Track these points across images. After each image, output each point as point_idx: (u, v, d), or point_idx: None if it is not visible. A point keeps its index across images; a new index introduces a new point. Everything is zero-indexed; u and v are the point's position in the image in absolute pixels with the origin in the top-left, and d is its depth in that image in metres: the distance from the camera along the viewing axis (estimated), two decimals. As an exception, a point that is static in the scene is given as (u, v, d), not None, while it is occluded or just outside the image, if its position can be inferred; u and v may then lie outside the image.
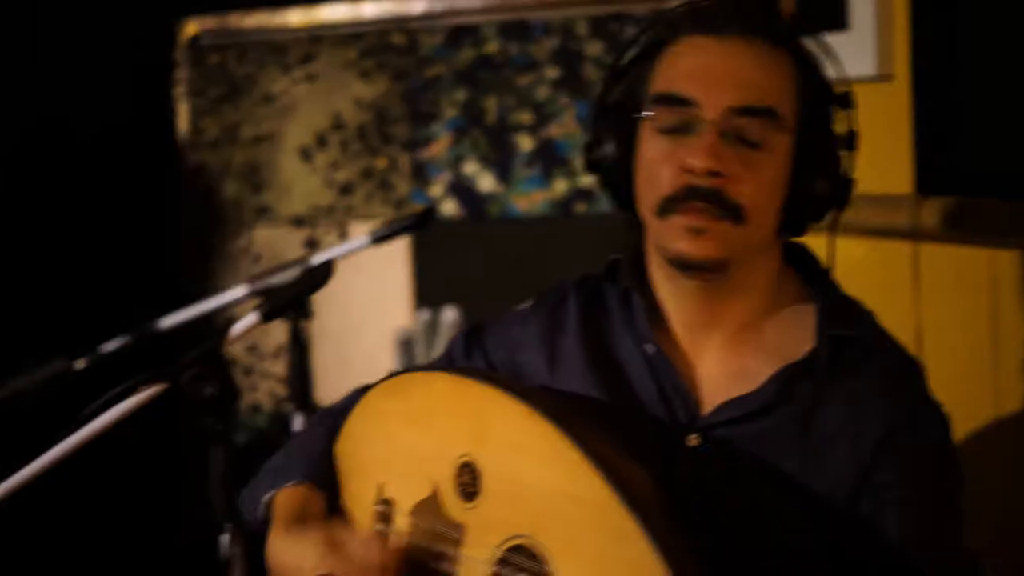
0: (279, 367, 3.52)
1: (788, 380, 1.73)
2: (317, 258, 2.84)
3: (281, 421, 3.48)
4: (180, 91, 3.62)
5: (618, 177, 1.80)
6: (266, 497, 1.90)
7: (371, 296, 3.48)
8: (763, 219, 1.73)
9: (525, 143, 3.40)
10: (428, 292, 3.47)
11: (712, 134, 1.69)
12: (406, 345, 3.48)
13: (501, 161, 3.42)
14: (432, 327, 3.47)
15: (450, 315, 3.47)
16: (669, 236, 1.73)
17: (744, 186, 1.69)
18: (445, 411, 1.79)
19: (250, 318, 1.87)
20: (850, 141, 1.77)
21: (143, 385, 1.82)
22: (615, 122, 1.79)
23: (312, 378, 2.90)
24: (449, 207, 3.45)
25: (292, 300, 1.88)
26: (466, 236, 3.44)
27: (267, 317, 1.86)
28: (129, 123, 3.52)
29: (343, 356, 3.49)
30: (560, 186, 3.38)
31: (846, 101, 1.77)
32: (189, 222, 3.59)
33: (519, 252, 3.42)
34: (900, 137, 2.65)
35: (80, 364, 2.83)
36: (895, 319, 2.56)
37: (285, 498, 1.89)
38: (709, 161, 1.68)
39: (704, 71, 1.72)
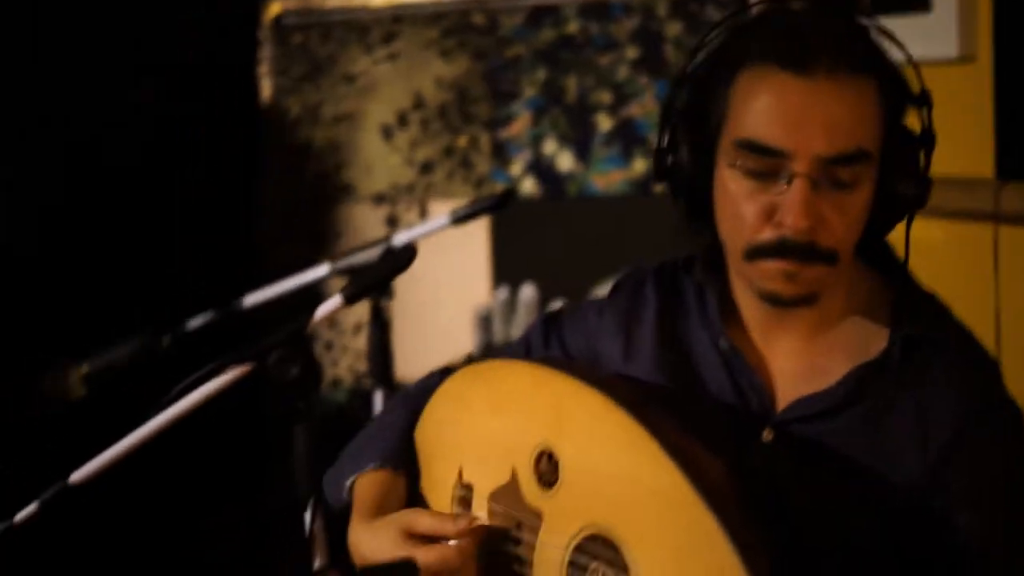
0: (359, 342, 3.56)
1: (860, 379, 1.72)
2: (399, 238, 2.88)
3: (361, 396, 3.53)
4: (264, 70, 3.67)
5: (693, 196, 1.76)
6: (348, 481, 1.93)
7: (450, 273, 3.51)
8: (852, 250, 1.71)
9: (604, 123, 3.42)
10: (507, 270, 3.50)
11: (804, 188, 1.64)
12: (484, 322, 3.52)
13: (580, 140, 3.43)
14: (510, 304, 3.50)
15: (528, 292, 3.49)
16: (759, 277, 1.71)
17: (837, 231, 1.66)
18: (525, 400, 1.81)
19: (334, 300, 1.90)
20: (927, 140, 1.73)
21: (229, 366, 1.86)
22: (690, 141, 1.74)
23: (392, 355, 2.94)
24: (528, 186, 3.47)
25: (375, 283, 1.90)
26: (545, 214, 3.47)
27: (350, 300, 1.89)
28: (214, 102, 3.57)
29: (422, 332, 3.53)
30: (639, 165, 3.40)
31: (924, 99, 1.72)
32: (272, 200, 3.64)
33: (597, 231, 3.43)
34: (982, 120, 2.62)
35: (166, 340, 2.89)
36: (973, 303, 2.56)
37: (366, 483, 1.91)
38: (803, 220, 1.64)
39: (792, 117, 1.64)
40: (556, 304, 3.49)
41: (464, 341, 3.52)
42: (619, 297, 1.92)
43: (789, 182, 1.65)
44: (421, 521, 1.80)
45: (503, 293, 3.50)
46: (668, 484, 1.60)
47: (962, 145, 2.59)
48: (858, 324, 1.76)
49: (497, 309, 3.51)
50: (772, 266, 1.69)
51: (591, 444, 1.71)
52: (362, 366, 3.59)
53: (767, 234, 1.67)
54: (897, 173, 1.70)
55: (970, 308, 2.50)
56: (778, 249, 1.67)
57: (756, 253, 1.70)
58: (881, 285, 1.79)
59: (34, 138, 3.23)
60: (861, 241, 1.72)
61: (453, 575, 1.78)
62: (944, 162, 2.56)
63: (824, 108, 1.64)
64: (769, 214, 1.67)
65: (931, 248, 2.70)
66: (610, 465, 1.68)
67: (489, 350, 3.51)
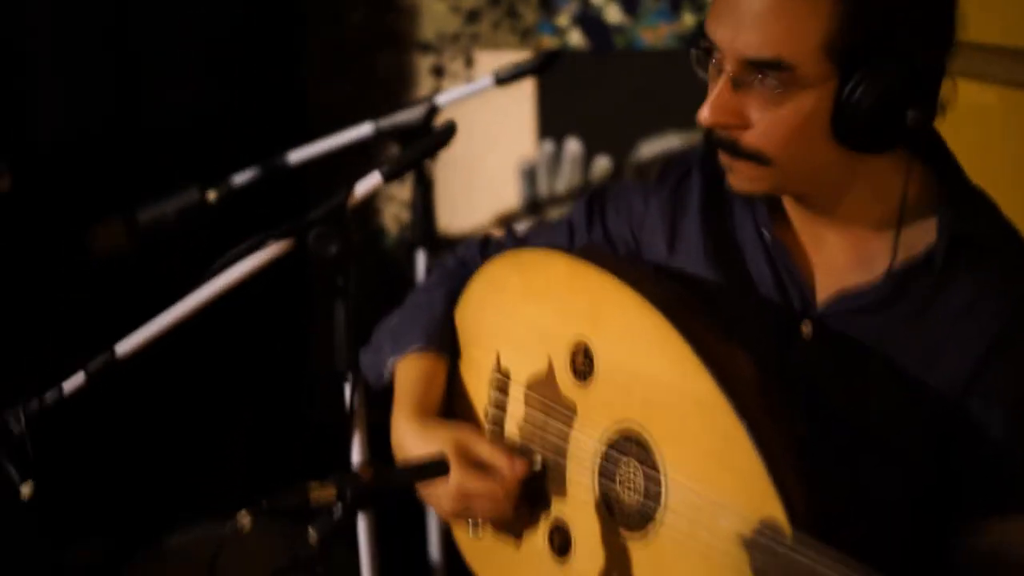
0: (404, 192, 3.57)
1: (905, 275, 1.72)
2: (442, 98, 2.87)
3: (405, 247, 3.55)
4: (308, -85, 3.61)
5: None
6: (390, 362, 1.95)
7: (496, 125, 3.50)
8: (797, 156, 1.68)
9: (654, -25, 3.36)
10: (552, 123, 3.48)
11: (722, 85, 1.66)
12: (529, 175, 3.51)
13: (629, -8, 3.38)
14: (555, 158, 3.49)
15: (573, 146, 3.48)
16: None
17: (760, 134, 1.66)
18: (563, 292, 1.82)
19: (373, 177, 1.91)
20: (937, 38, 1.66)
21: (270, 240, 1.89)
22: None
23: (435, 215, 2.96)
24: (575, 38, 3.43)
25: (413, 161, 1.91)
26: (591, 68, 3.43)
27: (389, 177, 1.91)
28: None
29: (467, 183, 3.53)
30: (688, 19, 3.34)
31: (925, 32, 1.64)
32: (317, 47, 3.61)
33: (644, 85, 3.39)
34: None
35: (212, 195, 2.91)
36: (1020, 167, 2.55)
37: (409, 366, 1.94)
38: (709, 117, 1.67)
39: (723, 11, 1.65)
40: (601, 160, 3.47)
41: (509, 193, 3.52)
42: (665, 185, 1.92)
43: (721, 76, 1.67)
44: (481, 448, 1.82)
45: (548, 146, 3.49)
46: (699, 388, 1.62)
47: (1013, 14, 2.54)
48: (905, 219, 1.74)
49: (542, 163, 3.50)
50: (719, 155, 1.73)
51: (626, 343, 1.72)
52: (406, 216, 3.60)
53: (703, 122, 1.70)
54: (865, 92, 1.63)
55: (1016, 170, 2.50)
56: (712, 139, 1.71)
57: (707, 136, 1.73)
58: (932, 179, 1.77)
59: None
60: (847, 142, 1.67)
61: (492, 508, 1.81)
62: (995, 31, 2.53)
63: (751, 9, 1.63)
64: None
65: (981, 111, 2.68)
66: (644, 365, 1.70)
67: (533, 205, 3.52)
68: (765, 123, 1.66)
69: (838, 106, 1.65)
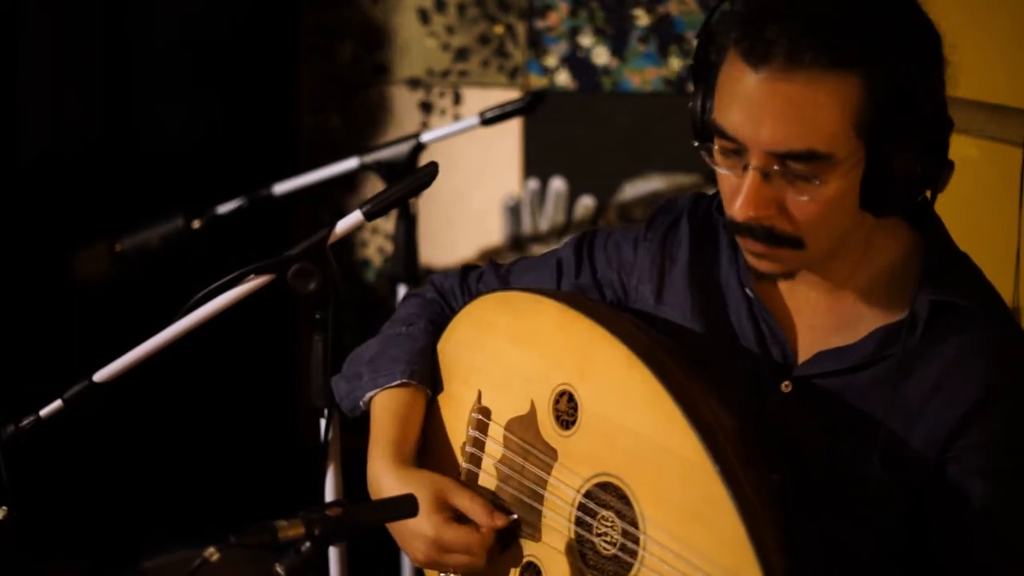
0: (389, 224, 3.59)
1: (885, 339, 1.73)
2: (427, 136, 2.90)
3: (386, 280, 3.57)
4: (302, -50, 3.65)
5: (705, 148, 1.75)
6: (368, 395, 1.94)
7: (481, 162, 3.53)
8: (828, 235, 1.69)
9: (642, 18, 3.40)
10: (537, 161, 3.51)
11: (754, 180, 1.64)
12: (513, 212, 3.54)
13: (617, 35, 3.41)
14: (539, 196, 3.52)
15: (558, 185, 3.51)
16: (740, 246, 1.75)
17: (797, 219, 1.66)
18: (551, 338, 1.82)
19: (354, 216, 1.93)
20: (938, 123, 1.66)
21: (250, 275, 1.91)
22: (701, 96, 1.73)
23: (417, 251, 2.98)
24: (563, 78, 3.46)
25: (395, 200, 1.93)
26: (578, 108, 3.46)
27: (370, 217, 1.93)
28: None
29: (451, 219, 3.56)
30: (674, 63, 3.38)
31: (934, 91, 1.65)
32: (307, 80, 3.64)
33: (630, 127, 3.43)
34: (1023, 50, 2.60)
35: (197, 223, 2.93)
36: (998, 221, 2.57)
37: (388, 401, 1.92)
38: (747, 211, 1.65)
39: (746, 110, 1.63)
40: (585, 199, 3.50)
41: (492, 230, 3.55)
42: (655, 234, 1.92)
43: (744, 170, 1.66)
44: (460, 499, 1.82)
45: (533, 184, 3.52)
46: (684, 447, 1.61)
47: (1005, 72, 2.58)
48: (887, 282, 1.76)
49: (526, 200, 3.53)
50: (743, 243, 1.72)
51: (612, 395, 1.72)
52: (390, 248, 3.62)
53: (732, 212, 1.69)
54: (896, 159, 1.64)
55: (995, 228, 2.52)
56: (742, 229, 1.69)
57: (731, 227, 1.72)
58: (916, 243, 1.77)
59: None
60: (879, 211, 1.69)
61: (467, 561, 1.81)
62: (984, 88, 2.56)
63: (774, 104, 1.61)
64: (736, 193, 1.68)
65: (965, 165, 2.71)
66: (628, 418, 1.70)
67: (516, 242, 3.54)
68: (805, 208, 1.65)
69: (870, 178, 1.65)
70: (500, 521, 1.81)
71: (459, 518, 1.83)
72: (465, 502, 1.82)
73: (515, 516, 1.84)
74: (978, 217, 2.74)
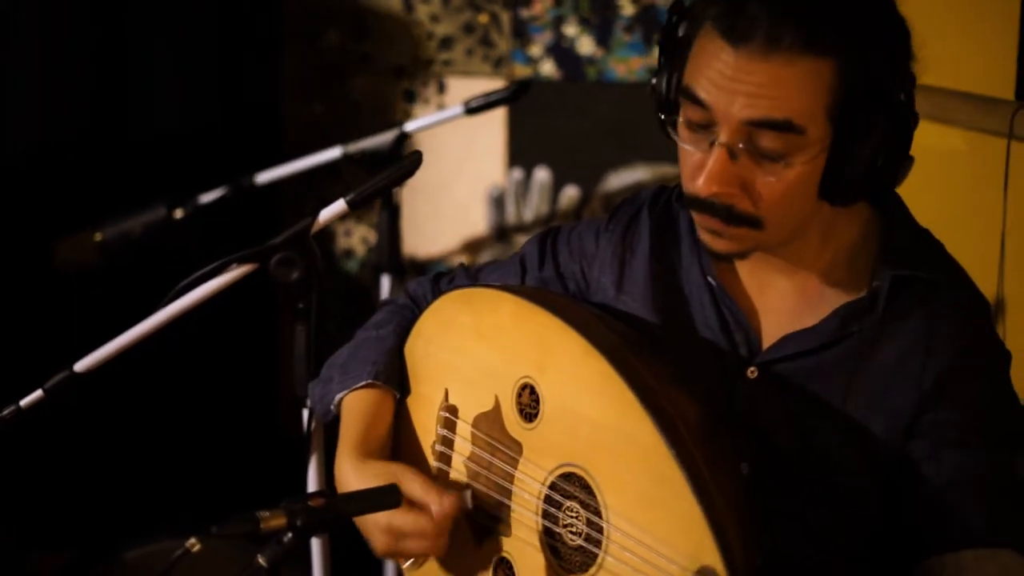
0: (372, 215, 3.59)
1: (847, 317, 1.73)
2: (411, 125, 2.90)
3: (370, 270, 3.56)
4: (286, -64, 3.63)
5: (666, 127, 1.75)
6: (337, 397, 1.95)
7: (465, 152, 3.52)
8: (786, 219, 1.69)
9: (627, 8, 3.39)
10: (522, 151, 3.51)
11: (721, 156, 1.65)
12: (497, 202, 3.53)
13: (602, 25, 3.41)
14: (524, 186, 3.52)
15: (542, 175, 3.50)
16: (696, 223, 1.75)
17: (758, 199, 1.66)
18: (511, 332, 1.83)
19: (338, 205, 1.92)
20: (905, 117, 1.67)
21: (233, 265, 1.90)
22: (668, 74, 1.72)
23: (401, 241, 2.97)
24: (547, 68, 3.46)
25: (379, 190, 1.92)
26: (562, 97, 3.46)
27: (354, 206, 1.92)
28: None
29: (435, 209, 3.55)
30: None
31: (902, 85, 1.66)
32: (291, 68, 3.62)
33: (614, 117, 3.43)
34: (1007, 42, 2.60)
35: (179, 213, 2.92)
36: (983, 212, 2.58)
37: (355, 402, 1.93)
38: (711, 187, 1.65)
39: (722, 83, 1.63)
40: (569, 189, 3.50)
41: (476, 219, 3.55)
42: (617, 226, 1.93)
43: (711, 146, 1.66)
44: (412, 486, 1.81)
45: (517, 174, 3.51)
46: (639, 433, 1.62)
47: (986, 64, 2.58)
48: (848, 260, 1.77)
49: (510, 190, 3.52)
50: (699, 219, 1.72)
51: (571, 386, 1.73)
52: (374, 237, 3.62)
53: (694, 188, 1.69)
54: (860, 149, 1.65)
55: (979, 216, 2.52)
56: (701, 205, 1.69)
57: (689, 202, 1.72)
58: (877, 220, 1.79)
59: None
60: (836, 201, 1.70)
61: (423, 546, 1.81)
62: (967, 79, 2.55)
63: (752, 79, 1.61)
64: (699, 169, 1.68)
65: (949, 154, 2.72)
66: (587, 408, 1.70)
67: (500, 232, 3.54)
68: (769, 188, 1.65)
69: (832, 166, 1.66)
70: (449, 502, 1.80)
71: (414, 503, 1.81)
72: (416, 488, 1.81)
73: (468, 492, 1.84)
74: (963, 207, 2.76)
